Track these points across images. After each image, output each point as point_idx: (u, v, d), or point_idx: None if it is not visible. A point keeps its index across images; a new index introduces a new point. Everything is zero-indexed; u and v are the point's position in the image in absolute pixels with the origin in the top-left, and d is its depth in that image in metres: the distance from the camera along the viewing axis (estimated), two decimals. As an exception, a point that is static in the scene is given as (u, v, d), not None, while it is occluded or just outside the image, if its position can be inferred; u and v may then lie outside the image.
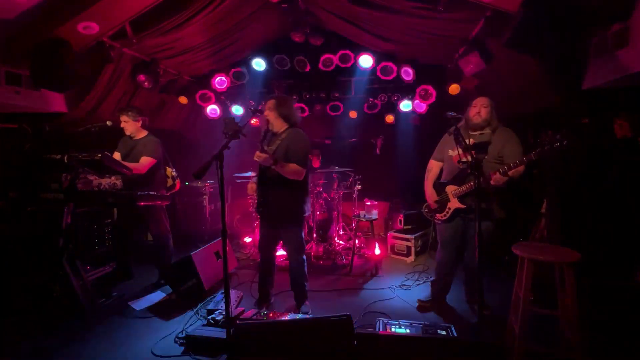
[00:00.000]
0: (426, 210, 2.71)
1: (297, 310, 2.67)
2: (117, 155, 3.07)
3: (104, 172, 2.84)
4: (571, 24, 2.18)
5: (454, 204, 2.45)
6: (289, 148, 2.39)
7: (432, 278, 2.79)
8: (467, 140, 2.34)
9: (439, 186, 2.57)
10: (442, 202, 2.53)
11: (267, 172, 2.41)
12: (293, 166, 2.34)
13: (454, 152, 2.42)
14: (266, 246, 2.66)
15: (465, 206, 2.39)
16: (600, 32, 2.14)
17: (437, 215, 2.57)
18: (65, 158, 2.46)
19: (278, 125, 2.48)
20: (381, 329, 2.14)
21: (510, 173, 2.15)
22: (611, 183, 2.61)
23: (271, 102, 2.47)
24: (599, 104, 2.80)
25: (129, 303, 2.82)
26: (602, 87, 2.33)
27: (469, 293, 2.71)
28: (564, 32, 2.20)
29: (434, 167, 2.67)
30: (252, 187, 2.67)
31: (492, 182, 2.20)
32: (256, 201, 2.59)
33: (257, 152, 2.25)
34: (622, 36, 1.95)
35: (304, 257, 2.64)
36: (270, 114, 2.45)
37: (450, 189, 2.46)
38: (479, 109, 2.37)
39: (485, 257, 2.14)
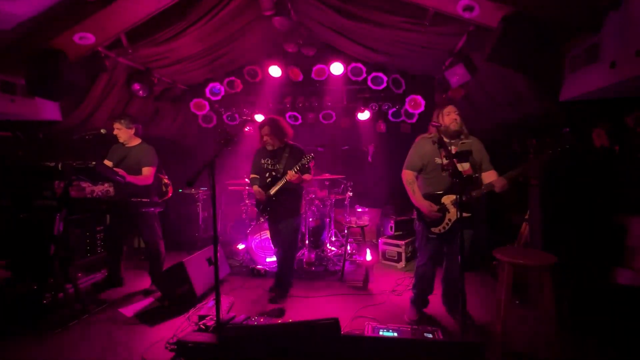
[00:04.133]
0: (419, 224, 2.52)
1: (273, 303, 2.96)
2: (108, 163, 3.09)
3: (97, 180, 2.87)
4: (548, 39, 2.31)
5: (454, 214, 2.31)
6: (298, 163, 2.89)
7: (414, 292, 2.65)
8: (450, 148, 2.37)
9: (431, 199, 2.40)
10: (440, 214, 2.37)
11: (275, 182, 2.92)
12: (308, 176, 2.96)
13: (443, 160, 2.35)
14: (277, 243, 3.13)
15: (470, 214, 2.29)
16: (574, 48, 2.27)
17: (433, 229, 2.40)
18: (59, 165, 2.50)
19: (277, 143, 2.97)
20: (369, 333, 2.19)
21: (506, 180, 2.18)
22: (590, 190, 2.71)
23: (267, 129, 2.91)
24: (579, 114, 2.93)
25: (120, 309, 2.82)
26: (577, 100, 2.44)
27: (448, 304, 2.62)
28: (541, 46, 2.32)
29: (414, 177, 2.51)
30: (260, 191, 2.98)
31: (497, 189, 2.18)
32: (261, 203, 3.02)
33: (292, 172, 2.78)
34: (592, 52, 2.07)
35: (295, 255, 3.13)
36: (268, 138, 2.92)
37: (449, 199, 2.34)
38: (454, 116, 2.36)
39: (468, 265, 2.17)
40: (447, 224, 2.34)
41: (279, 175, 2.93)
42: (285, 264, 3.07)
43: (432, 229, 2.40)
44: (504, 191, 2.20)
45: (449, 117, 2.38)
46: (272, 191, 2.93)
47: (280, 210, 2.99)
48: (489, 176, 2.36)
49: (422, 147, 2.51)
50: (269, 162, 3.00)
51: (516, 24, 2.26)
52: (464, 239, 2.31)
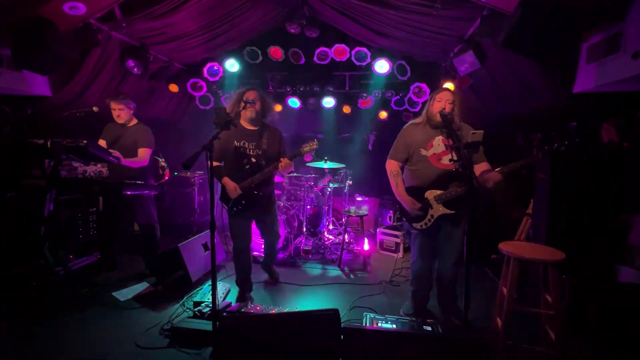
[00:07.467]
0: (401, 221, 2.45)
1: (272, 278, 3.16)
2: (102, 143, 2.98)
3: (90, 159, 2.75)
4: (567, 27, 2.20)
5: (437, 210, 2.21)
6: (281, 147, 2.62)
7: (411, 288, 2.55)
8: (438, 139, 2.23)
9: (414, 192, 2.27)
10: (422, 210, 2.25)
11: (258, 169, 2.48)
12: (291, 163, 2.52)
13: (429, 152, 2.25)
14: (248, 239, 2.74)
15: (453, 212, 2.19)
16: (594, 36, 2.16)
17: (415, 224, 2.29)
18: (49, 143, 2.37)
19: (257, 119, 2.54)
20: (368, 324, 2.16)
21: (506, 171, 2.09)
22: (595, 186, 2.66)
23: (258, 102, 2.50)
24: (588, 108, 2.85)
25: (113, 293, 2.77)
26: (592, 92, 2.36)
27: (442, 304, 2.50)
28: (559, 34, 2.21)
29: (398, 169, 2.36)
30: (234, 186, 2.44)
31: (489, 184, 2.07)
32: (236, 198, 2.47)
33: (286, 160, 2.39)
34: (614, 42, 1.97)
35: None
36: (259, 106, 2.52)
37: (433, 194, 2.22)
38: (443, 104, 2.18)
39: (467, 261, 2.10)
40: (430, 220, 2.23)
41: (262, 162, 2.45)
42: (275, 249, 3.00)
43: (414, 224, 2.29)
44: (496, 185, 2.09)
45: (437, 105, 2.19)
46: (254, 182, 2.42)
47: (265, 201, 2.58)
48: (479, 168, 2.22)
49: (409, 136, 2.35)
50: (246, 144, 2.46)
51: (535, 9, 2.14)
52: (458, 237, 2.28)
